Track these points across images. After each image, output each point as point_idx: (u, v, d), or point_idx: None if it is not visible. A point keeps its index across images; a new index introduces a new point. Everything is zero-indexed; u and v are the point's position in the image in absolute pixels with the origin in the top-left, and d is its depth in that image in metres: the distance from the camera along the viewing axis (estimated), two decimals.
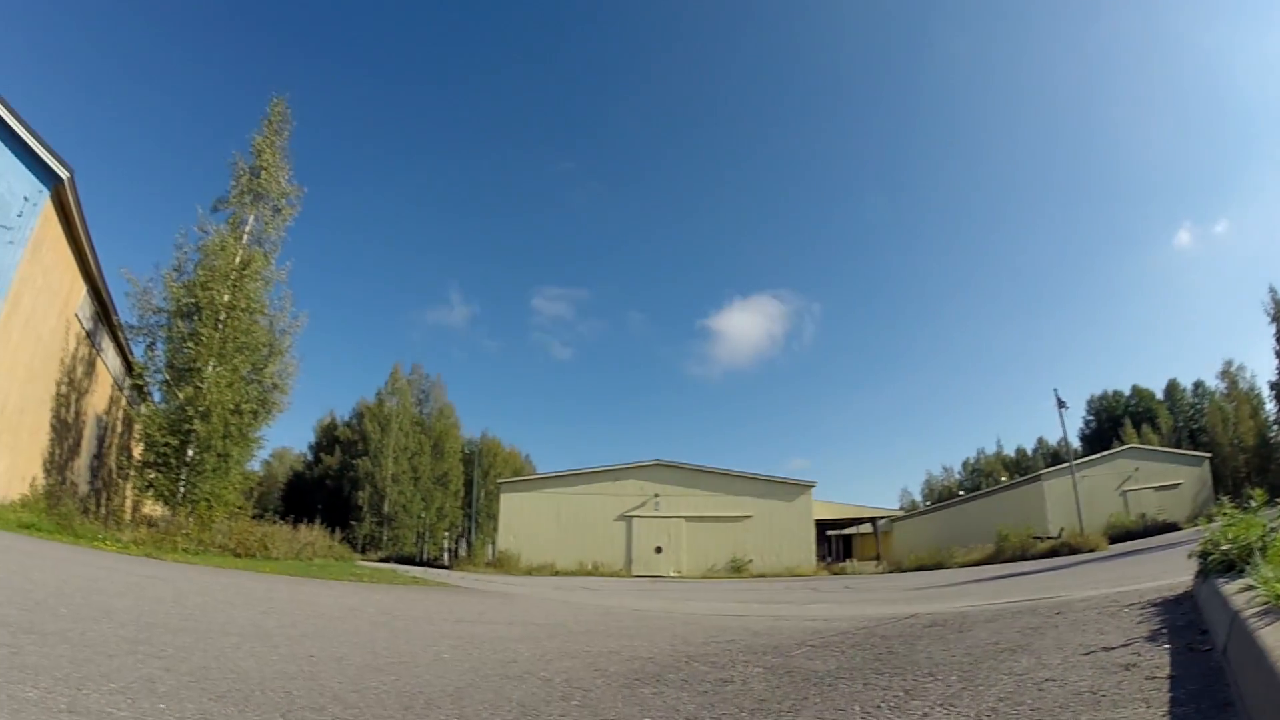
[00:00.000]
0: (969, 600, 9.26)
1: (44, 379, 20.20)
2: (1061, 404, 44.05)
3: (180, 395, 19.67)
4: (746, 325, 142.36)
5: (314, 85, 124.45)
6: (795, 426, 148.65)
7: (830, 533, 61.99)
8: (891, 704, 3.32)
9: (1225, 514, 5.25)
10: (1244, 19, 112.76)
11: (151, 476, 19.59)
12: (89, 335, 23.75)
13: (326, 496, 74.13)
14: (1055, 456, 75.94)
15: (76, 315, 22.26)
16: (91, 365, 24.17)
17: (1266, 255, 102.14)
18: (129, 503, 22.00)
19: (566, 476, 46.52)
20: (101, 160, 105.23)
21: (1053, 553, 29.78)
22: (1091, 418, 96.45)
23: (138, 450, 21.35)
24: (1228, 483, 55.20)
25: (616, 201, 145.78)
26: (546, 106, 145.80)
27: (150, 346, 21.06)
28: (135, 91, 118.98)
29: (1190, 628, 4.23)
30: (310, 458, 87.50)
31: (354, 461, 74.97)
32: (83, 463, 24.39)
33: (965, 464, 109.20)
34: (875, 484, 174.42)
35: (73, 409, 22.34)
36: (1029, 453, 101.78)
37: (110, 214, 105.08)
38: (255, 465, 24.30)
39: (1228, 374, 75.25)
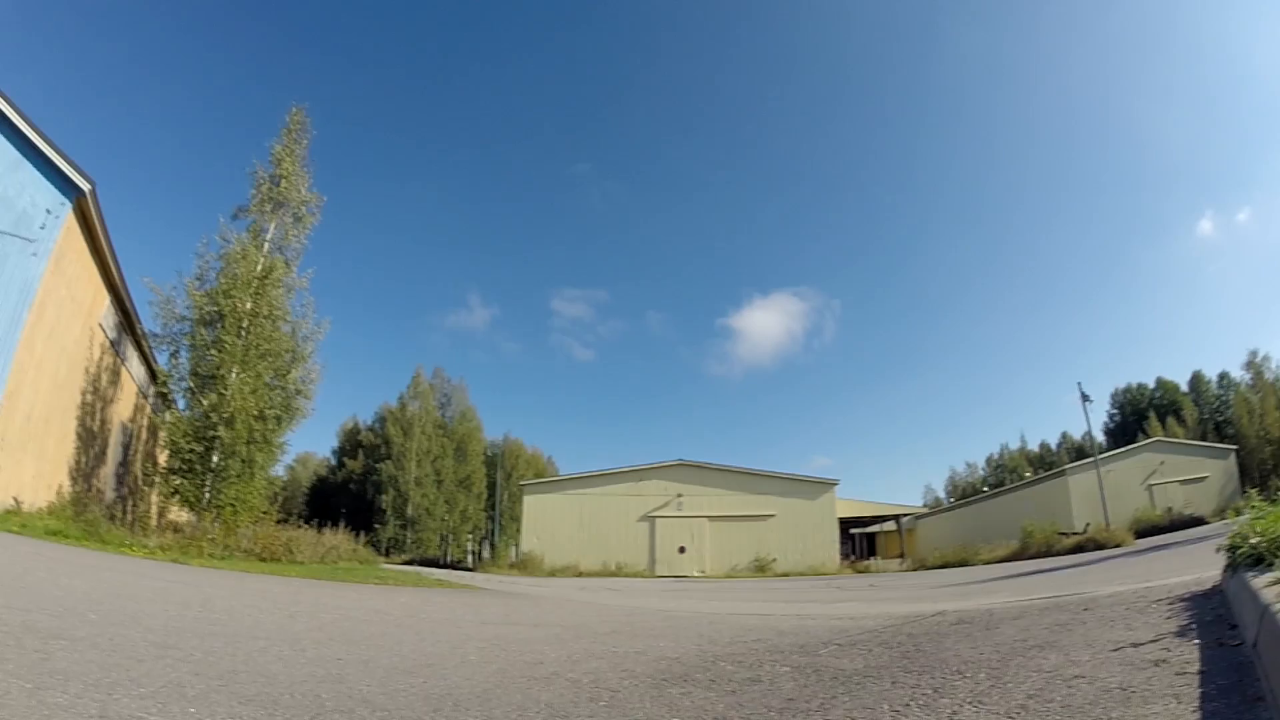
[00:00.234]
0: (995, 597, 9.17)
1: (69, 388, 20.40)
2: (1085, 398, 43.74)
3: (204, 402, 19.83)
4: (767, 323, 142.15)
5: (332, 92, 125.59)
6: (817, 424, 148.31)
7: (854, 531, 61.78)
8: (921, 702, 3.28)
9: (1253, 507, 5.19)
10: (1262, 2, 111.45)
11: (177, 483, 19.71)
12: (113, 344, 23.97)
13: (350, 500, 74.62)
14: (1080, 451, 75.39)
15: (100, 325, 22.47)
16: (116, 374, 24.40)
17: None
18: (155, 509, 22.16)
19: (589, 478, 46.54)
20: (123, 168, 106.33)
21: (1078, 549, 29.45)
22: (1116, 411, 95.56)
23: (163, 457, 21.51)
24: (1254, 475, 54.35)
25: (633, 201, 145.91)
26: (559, 108, 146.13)
27: (174, 354, 21.23)
28: (156, 98, 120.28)
29: (1219, 622, 4.18)
30: (334, 462, 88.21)
31: (377, 465, 75.42)
32: (109, 470, 24.61)
33: (989, 460, 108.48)
34: (898, 481, 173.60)
35: (98, 417, 22.55)
36: (1053, 448, 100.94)
37: (133, 222, 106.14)
38: (279, 470, 24.43)
39: (1253, 365, 74.57)
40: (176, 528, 19.42)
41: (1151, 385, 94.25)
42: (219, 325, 20.45)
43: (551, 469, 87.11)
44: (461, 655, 5.34)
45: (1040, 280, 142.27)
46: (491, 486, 79.44)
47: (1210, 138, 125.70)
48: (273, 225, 22.72)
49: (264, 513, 20.79)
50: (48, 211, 17.25)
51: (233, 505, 19.60)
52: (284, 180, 22.87)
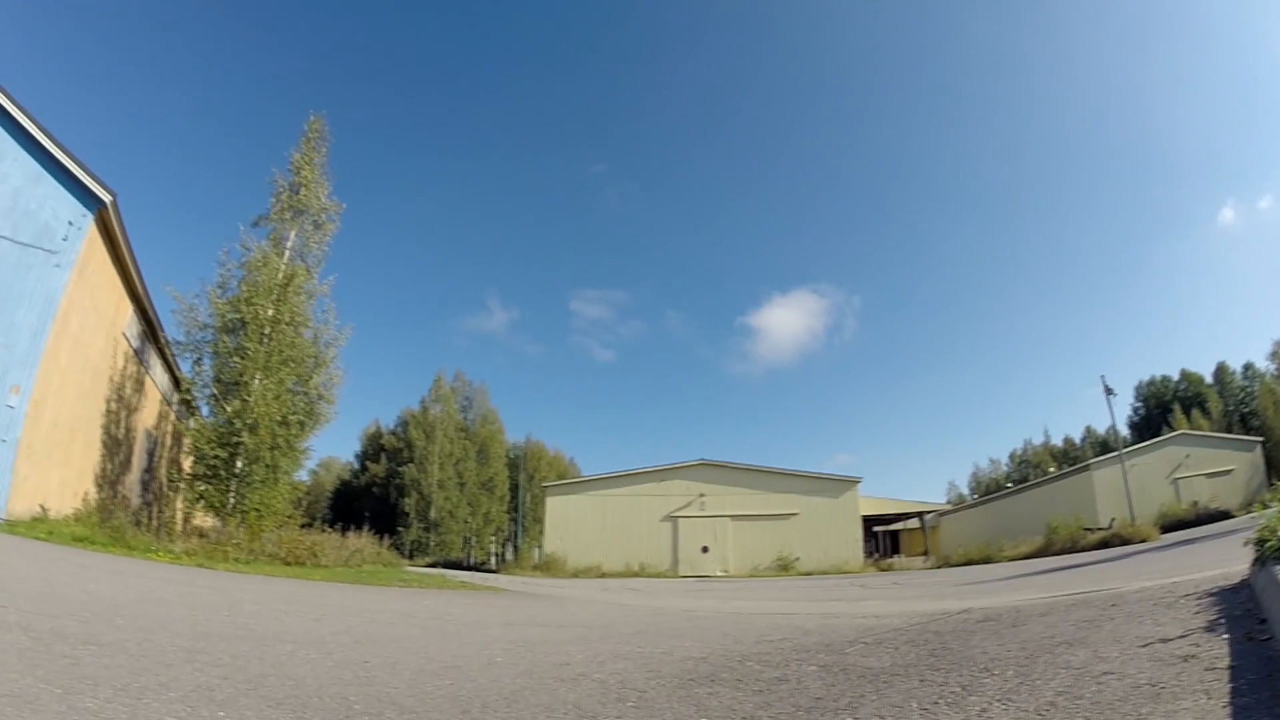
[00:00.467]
0: (1021, 594, 9.11)
1: (94, 397, 20.59)
2: (1109, 391, 43.43)
3: (228, 409, 19.95)
4: (786, 321, 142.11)
5: (350, 97, 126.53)
6: (839, 422, 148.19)
7: (877, 529, 61.58)
8: (949, 700, 3.26)
9: None
10: None
11: (202, 488, 19.86)
12: (137, 353, 24.18)
13: (373, 504, 74.99)
14: (1104, 445, 74.87)
15: (124, 334, 22.67)
16: (140, 382, 24.61)
17: None
18: (180, 514, 22.35)
19: (611, 478, 46.56)
20: (144, 178, 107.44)
21: (1103, 544, 29.24)
22: (1140, 404, 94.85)
23: (187, 463, 21.68)
24: None
25: (650, 202, 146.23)
26: (575, 109, 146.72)
27: (197, 362, 21.34)
28: (176, 110, 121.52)
29: (1248, 617, 4.13)
30: (357, 466, 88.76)
31: (400, 469, 75.76)
32: (134, 476, 24.82)
33: (1013, 455, 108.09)
34: (921, 478, 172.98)
35: (123, 425, 22.75)
36: (1077, 442, 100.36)
37: (155, 232, 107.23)
38: (303, 475, 24.64)
39: (1278, 355, 73.70)
40: (202, 533, 19.55)
41: (1175, 377, 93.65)
42: (241, 332, 20.58)
43: (574, 470, 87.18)
44: (488, 657, 5.34)
45: (1061, 273, 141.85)
46: (514, 488, 79.82)
47: (1229, 125, 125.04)
48: (293, 232, 22.87)
49: (288, 517, 20.92)
50: (70, 223, 17.42)
51: (257, 510, 19.71)
52: (303, 188, 23.00)
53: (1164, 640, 3.86)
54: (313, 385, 21.79)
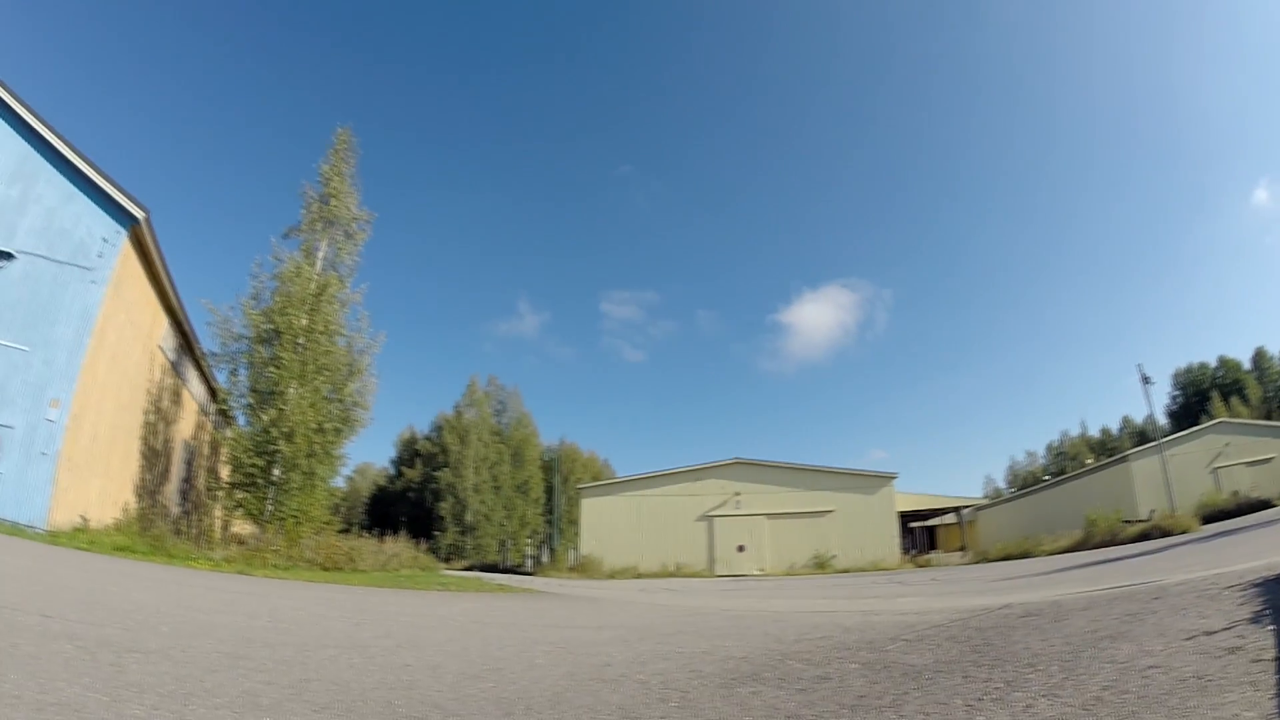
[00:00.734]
0: (1061, 588, 8.98)
1: (132, 409, 20.92)
2: (1146, 380, 42.79)
3: (264, 418, 20.18)
4: (818, 317, 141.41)
5: (377, 108, 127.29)
6: (873, 417, 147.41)
7: (913, 524, 61.08)
8: (994, 696, 3.21)
9: None
10: None
11: (240, 496, 20.12)
12: (173, 365, 24.53)
13: (409, 508, 75.49)
14: (1142, 435, 73.82)
15: (160, 347, 23.01)
16: (177, 393, 24.98)
17: None
18: (219, 522, 22.60)
19: (646, 479, 46.47)
20: (176, 193, 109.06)
21: (1143, 536, 28.73)
22: (1178, 392, 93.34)
23: (225, 472, 21.93)
24: None
25: (678, 201, 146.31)
26: (599, 112, 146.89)
27: (233, 372, 21.65)
28: (207, 124, 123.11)
29: None
30: (392, 471, 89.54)
31: (435, 473, 76.17)
32: (173, 486, 25.19)
33: (1049, 447, 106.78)
34: (957, 473, 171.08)
35: (161, 436, 23.11)
36: (1114, 433, 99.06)
37: (188, 245, 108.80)
38: (339, 481, 24.83)
39: None
40: (240, 540, 19.77)
41: (1213, 364, 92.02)
42: (276, 342, 20.84)
43: (608, 472, 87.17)
44: (529, 659, 5.32)
45: (1092, 260, 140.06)
46: (549, 491, 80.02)
47: (1259, 103, 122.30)
48: (324, 243, 23.13)
49: (325, 523, 21.16)
50: (104, 240, 17.76)
51: (295, 517, 19.92)
52: (333, 199, 23.30)
53: (1208, 633, 3.80)
54: (347, 393, 21.99)
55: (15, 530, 14.52)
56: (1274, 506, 32.15)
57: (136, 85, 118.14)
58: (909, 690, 3.52)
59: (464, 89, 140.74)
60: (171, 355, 24.51)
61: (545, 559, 69.19)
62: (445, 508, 72.82)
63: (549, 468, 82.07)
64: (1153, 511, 34.46)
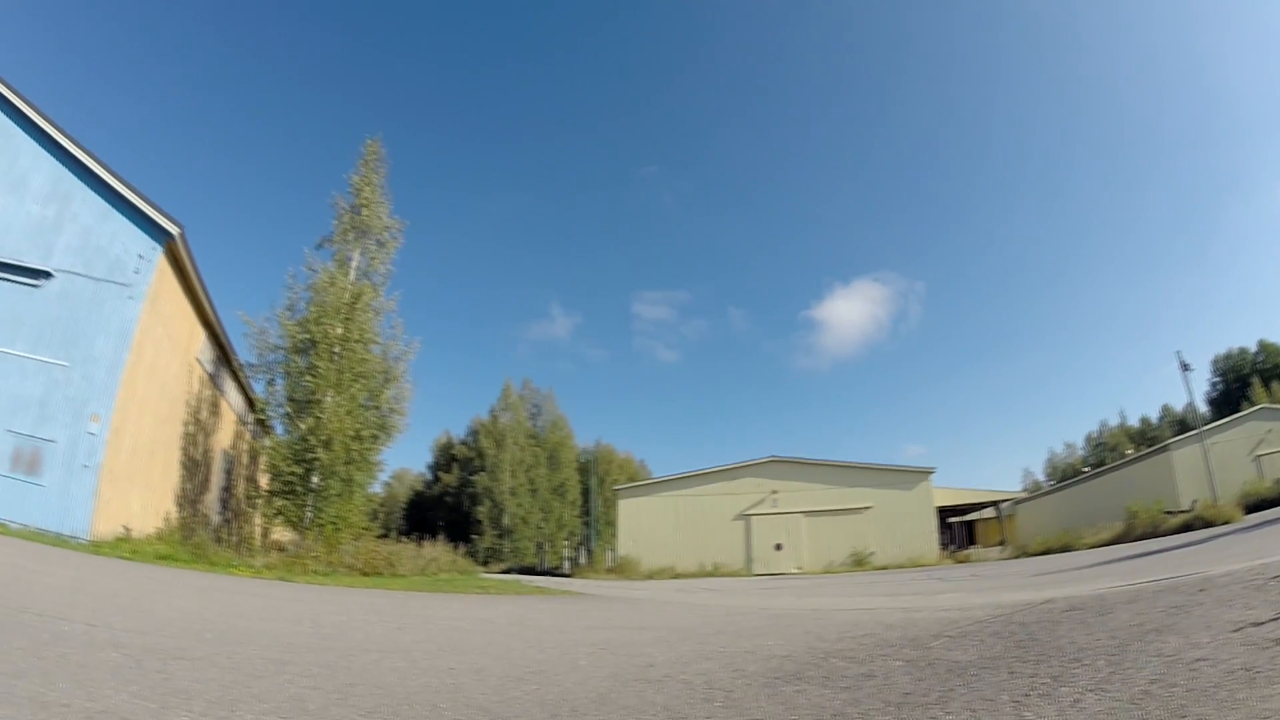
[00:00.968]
0: (1104, 582, 8.85)
1: (171, 421, 21.25)
2: (1185, 367, 42.12)
3: (302, 426, 20.39)
4: (850, 312, 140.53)
5: (407, 115, 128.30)
6: (908, 412, 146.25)
7: (951, 520, 60.61)
8: (1040, 692, 3.15)
9: None
10: None
11: (279, 504, 20.31)
12: (211, 377, 24.89)
13: (447, 513, 76.15)
14: (1182, 424, 72.41)
15: (198, 359, 23.36)
16: (215, 404, 25.34)
17: None
18: (259, 530, 22.88)
19: (682, 479, 46.36)
20: (211, 206, 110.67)
21: (1185, 527, 28.26)
22: (1218, 379, 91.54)
23: (264, 480, 22.19)
24: None
25: (704, 199, 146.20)
26: (623, 111, 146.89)
27: (270, 382, 21.94)
28: (239, 137, 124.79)
29: None
30: (429, 476, 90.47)
31: (472, 478, 76.79)
32: (212, 495, 25.55)
33: (1088, 438, 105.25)
34: (995, 466, 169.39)
35: (200, 446, 23.46)
36: (1154, 422, 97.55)
37: (222, 258, 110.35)
38: (377, 487, 25.05)
39: None
40: (281, 547, 20.00)
41: (1253, 349, 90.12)
42: (312, 351, 21.04)
43: (644, 472, 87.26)
44: (572, 661, 5.30)
45: (1125, 245, 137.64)
46: (585, 492, 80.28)
47: None
48: (357, 252, 23.38)
49: (364, 529, 21.34)
50: (140, 257, 18.10)
51: (334, 523, 20.10)
52: (365, 209, 23.55)
53: (1256, 624, 3.74)
54: (384, 400, 22.19)
55: (59, 541, 14.80)
56: None
57: (171, 98, 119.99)
58: (955, 687, 3.46)
59: (487, 90, 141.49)
60: (209, 367, 24.87)
61: (583, 561, 69.25)
62: (482, 511, 73.32)
63: (585, 470, 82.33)
64: (1195, 502, 33.91)
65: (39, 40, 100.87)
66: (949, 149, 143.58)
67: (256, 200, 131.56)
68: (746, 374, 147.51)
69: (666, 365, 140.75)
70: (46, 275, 17.20)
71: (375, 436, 21.66)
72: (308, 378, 20.76)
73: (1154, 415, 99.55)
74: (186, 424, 22.58)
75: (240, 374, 26.69)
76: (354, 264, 23.16)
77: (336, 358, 21.13)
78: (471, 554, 49.60)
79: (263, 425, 23.81)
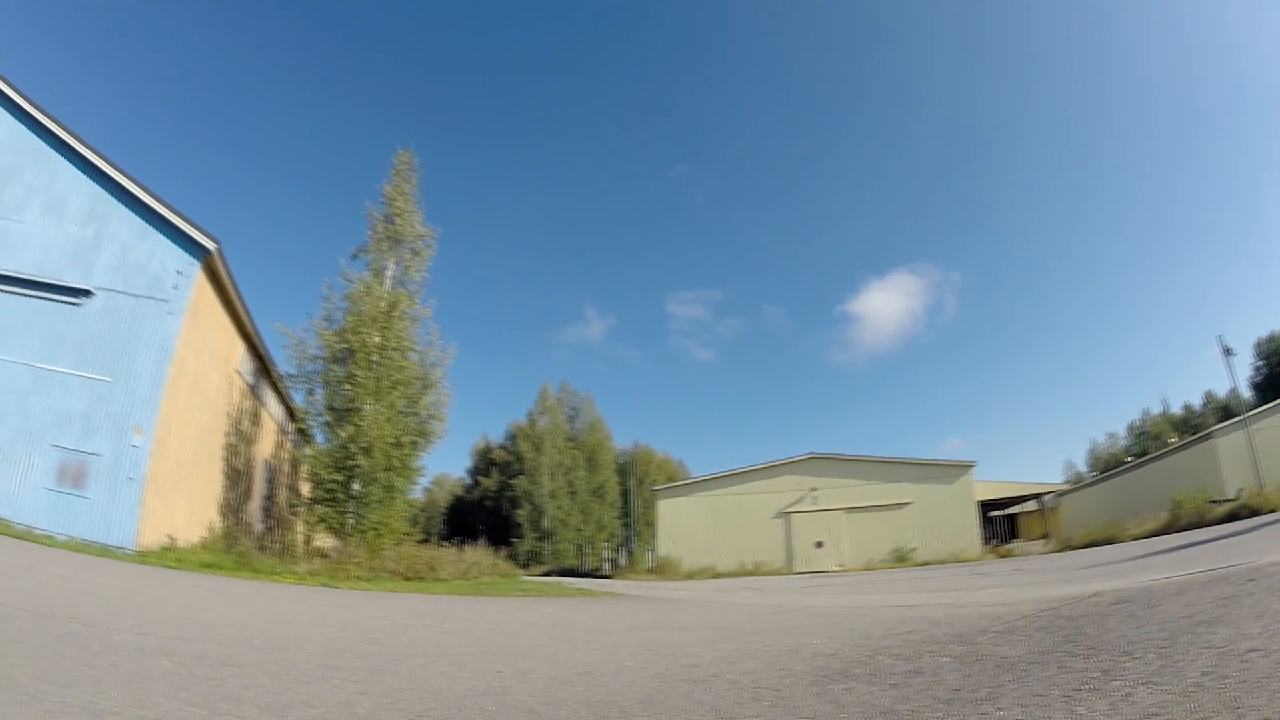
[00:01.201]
0: (1150, 574, 8.69)
1: (213, 432, 21.57)
2: (1228, 351, 41.32)
3: (342, 434, 20.58)
4: (886, 306, 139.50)
5: (438, 121, 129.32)
6: (947, 405, 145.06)
7: (993, 513, 59.89)
8: (1091, 686, 3.07)
9: None
10: None
11: (321, 511, 20.51)
12: (251, 388, 25.24)
13: (487, 517, 76.66)
14: (1226, 410, 70.98)
15: (238, 371, 23.70)
16: (256, 415, 25.68)
17: None
18: (301, 537, 23.15)
19: (721, 478, 46.25)
20: (247, 219, 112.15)
21: (1231, 516, 27.67)
22: (1261, 363, 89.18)
23: (306, 488, 22.43)
24: None
25: (735, 197, 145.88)
26: (652, 110, 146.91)
27: (310, 392, 22.21)
28: (273, 150, 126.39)
29: None
30: (469, 481, 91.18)
31: (511, 481, 77.25)
32: (255, 504, 25.90)
33: (1131, 427, 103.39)
34: (1036, 458, 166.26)
35: (242, 456, 23.79)
36: (1197, 409, 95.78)
37: (259, 271, 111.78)
38: (417, 493, 25.24)
39: None
40: (323, 553, 20.17)
41: None
42: (350, 361, 21.28)
43: (683, 472, 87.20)
44: (617, 662, 5.28)
45: (1166, 229, 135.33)
46: (624, 494, 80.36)
47: None
48: (392, 262, 23.61)
49: (405, 534, 21.50)
50: (179, 273, 18.44)
51: (375, 529, 20.27)
52: (398, 218, 23.79)
53: None
54: (422, 406, 22.39)
55: (105, 551, 15.09)
56: None
57: (206, 116, 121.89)
58: (1004, 683, 3.40)
59: (515, 97, 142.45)
60: (249, 379, 25.22)
61: (623, 562, 69.35)
62: (522, 515, 73.70)
63: (624, 471, 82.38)
64: (1240, 490, 33.23)
65: (75, 61, 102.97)
66: (982, 137, 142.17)
67: (292, 213, 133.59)
68: (783, 371, 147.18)
69: (702, 364, 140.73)
70: (87, 294, 17.55)
71: (415, 442, 21.83)
72: (346, 386, 20.97)
73: (1197, 402, 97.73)
74: (228, 435, 22.91)
75: (280, 385, 27.04)
76: (389, 273, 23.38)
77: (374, 366, 21.34)
78: (512, 557, 49.89)
79: (303, 434, 24.08)
